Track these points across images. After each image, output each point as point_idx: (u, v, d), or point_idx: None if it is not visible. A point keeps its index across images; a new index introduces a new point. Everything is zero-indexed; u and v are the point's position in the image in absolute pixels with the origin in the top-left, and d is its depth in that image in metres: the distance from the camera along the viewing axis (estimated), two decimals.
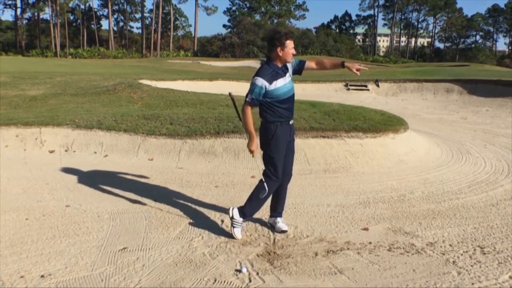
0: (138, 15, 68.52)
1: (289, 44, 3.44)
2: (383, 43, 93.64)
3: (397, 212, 4.21)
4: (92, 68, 23.49)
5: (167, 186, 5.01)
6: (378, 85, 16.28)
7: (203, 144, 6.17)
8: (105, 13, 66.16)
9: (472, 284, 2.85)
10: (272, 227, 3.76)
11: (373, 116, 7.06)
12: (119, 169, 5.61)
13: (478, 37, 75.11)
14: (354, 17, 76.62)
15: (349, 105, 8.32)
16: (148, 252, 3.32)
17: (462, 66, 34.61)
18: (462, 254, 3.28)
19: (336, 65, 3.77)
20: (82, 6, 62.72)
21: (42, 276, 2.96)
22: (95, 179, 5.19)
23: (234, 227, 3.58)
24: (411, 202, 4.51)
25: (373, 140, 6.16)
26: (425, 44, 79.47)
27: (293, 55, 3.50)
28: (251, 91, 3.42)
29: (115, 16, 68.70)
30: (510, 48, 76.01)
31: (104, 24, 79.78)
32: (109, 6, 62.62)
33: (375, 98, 15.12)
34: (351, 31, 76.31)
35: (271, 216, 3.82)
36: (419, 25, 74.19)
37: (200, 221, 3.93)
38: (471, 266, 3.10)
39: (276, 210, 3.78)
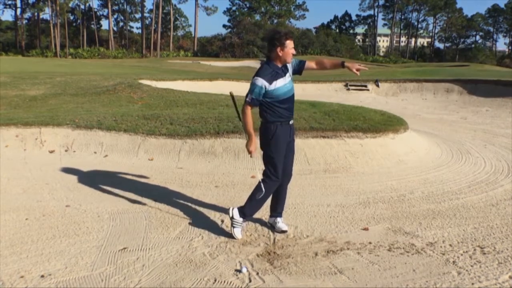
0: (138, 15, 68.58)
1: (289, 44, 3.44)
2: (383, 43, 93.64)
3: (397, 212, 4.21)
4: (92, 68, 23.49)
5: (167, 186, 5.01)
6: (378, 85, 16.28)
7: (203, 144, 6.17)
8: (105, 13, 66.19)
9: (472, 284, 2.85)
10: (272, 227, 3.76)
11: (373, 116, 7.06)
12: (119, 169, 5.61)
13: (478, 37, 75.22)
14: (354, 17, 76.76)
15: (349, 105, 8.32)
16: (148, 252, 3.32)
17: (462, 66, 34.60)
18: (462, 254, 3.28)
19: (336, 65, 3.77)
20: (82, 6, 62.82)
21: (42, 276, 2.96)
22: (95, 179, 5.19)
23: (234, 227, 3.58)
24: (411, 202, 4.51)
25: (373, 140, 6.16)
26: (425, 44, 79.46)
27: (293, 55, 3.50)
28: (251, 91, 3.42)
29: (115, 16, 68.78)
30: (510, 48, 76.05)
31: (104, 24, 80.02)
32: (109, 6, 62.62)
33: (375, 98, 15.12)
34: (351, 31, 76.31)
35: (271, 216, 3.82)
36: (419, 25, 74.27)
37: (200, 221, 3.93)
38: (471, 266, 3.10)
39: (276, 210, 3.78)
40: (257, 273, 3.01)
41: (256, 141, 3.53)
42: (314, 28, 73.46)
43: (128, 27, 71.66)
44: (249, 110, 3.45)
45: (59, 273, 3.00)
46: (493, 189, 4.92)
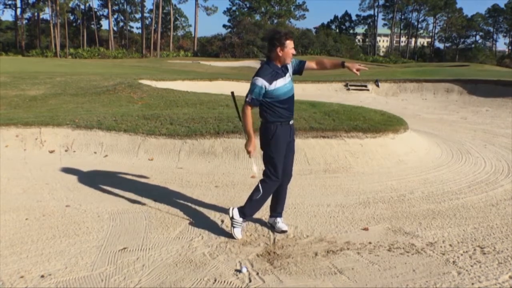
0: (138, 15, 68.58)
1: (289, 44, 3.44)
2: (383, 43, 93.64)
3: (397, 212, 4.21)
4: (92, 68, 23.49)
5: (167, 186, 5.01)
6: (378, 85, 16.28)
7: (203, 144, 6.17)
8: (105, 13, 66.19)
9: (472, 284, 2.85)
10: (272, 227, 3.76)
11: (373, 116, 7.06)
12: (119, 169, 5.61)
13: (478, 37, 75.22)
14: (354, 17, 76.75)
15: (349, 105, 8.32)
16: (148, 252, 3.32)
17: (462, 66, 34.60)
18: (462, 254, 3.28)
19: (336, 65, 3.77)
20: (82, 6, 62.81)
21: (42, 276, 2.96)
22: (95, 179, 5.20)
23: (234, 227, 3.58)
24: (411, 202, 4.51)
25: (373, 140, 6.16)
26: (425, 44, 79.47)
27: (293, 55, 3.50)
28: (251, 91, 3.42)
29: (115, 16, 68.77)
30: (510, 48, 76.05)
31: (104, 24, 79.82)
32: (109, 6, 62.62)
33: (375, 98, 15.12)
34: (351, 31, 76.31)
35: (271, 216, 3.82)
36: (419, 25, 74.26)
37: (200, 221, 3.93)
38: (471, 266, 3.10)
39: (276, 210, 3.78)
40: (257, 273, 3.01)
41: (255, 142, 3.53)
42: (314, 28, 73.56)
43: (128, 27, 71.74)
44: (249, 110, 3.45)
45: (59, 273, 3.00)
46: (493, 189, 4.92)
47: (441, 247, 3.42)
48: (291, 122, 3.62)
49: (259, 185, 3.54)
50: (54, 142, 6.57)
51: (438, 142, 7.29)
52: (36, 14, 60.71)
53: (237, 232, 3.57)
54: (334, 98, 13.22)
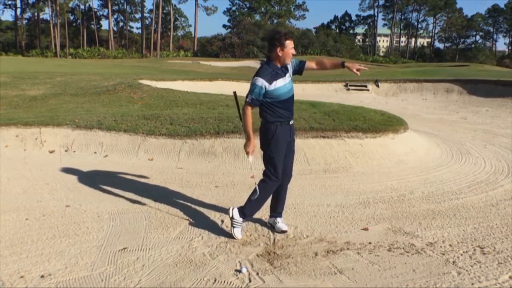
0: (138, 15, 68.58)
1: (289, 44, 3.44)
2: (383, 43, 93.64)
3: (397, 212, 4.21)
4: (92, 68, 23.50)
5: (167, 186, 5.01)
6: (378, 85, 16.29)
7: (203, 144, 6.17)
8: (105, 13, 66.19)
9: (472, 284, 2.85)
10: (272, 227, 3.76)
11: (373, 116, 7.07)
12: (119, 169, 5.61)
13: (478, 37, 75.23)
14: (354, 17, 76.78)
15: (349, 105, 8.32)
16: (148, 252, 3.32)
17: (462, 66, 34.60)
18: (462, 254, 3.28)
19: (336, 65, 3.77)
20: (82, 6, 62.80)
21: (42, 276, 2.96)
22: (95, 179, 5.20)
23: (234, 227, 3.58)
24: (411, 202, 4.51)
25: (373, 140, 6.16)
26: (425, 44, 79.49)
27: (293, 55, 3.50)
28: (251, 91, 3.42)
29: (115, 16, 68.77)
30: (510, 48, 76.06)
31: (104, 24, 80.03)
32: (109, 6, 62.62)
33: (375, 98, 15.12)
34: (351, 31, 76.32)
35: (271, 216, 3.82)
36: (419, 25, 74.26)
37: (200, 221, 3.93)
38: (471, 266, 3.10)
39: (276, 210, 3.78)
40: (257, 273, 3.01)
41: (254, 142, 3.53)
42: (314, 28, 73.58)
43: (128, 27, 71.74)
44: (249, 111, 3.45)
45: (59, 273, 3.00)
46: (493, 189, 4.92)
47: (441, 247, 3.42)
48: (291, 122, 3.62)
49: (256, 187, 3.54)
50: (54, 142, 6.57)
51: (438, 142, 7.29)
52: (36, 14, 60.74)
53: (237, 232, 3.57)
54: (334, 98, 13.22)
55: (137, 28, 74.91)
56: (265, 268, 3.09)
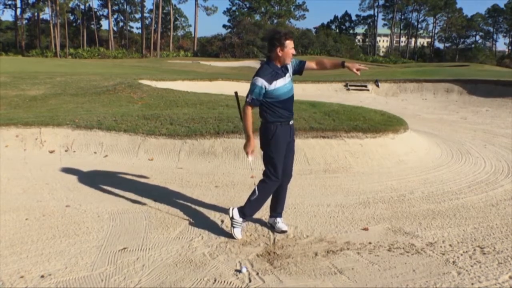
0: (138, 15, 68.59)
1: (289, 44, 3.44)
2: (383, 43, 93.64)
3: (397, 212, 4.21)
4: (92, 68, 23.50)
5: (167, 186, 5.01)
6: (378, 85, 16.29)
7: (203, 144, 6.17)
8: (105, 13, 66.20)
9: (472, 284, 2.85)
10: (272, 227, 3.76)
11: (373, 116, 7.07)
12: (119, 169, 5.61)
13: (478, 37, 75.23)
14: (354, 17, 76.81)
15: (349, 105, 8.32)
16: (148, 252, 3.32)
17: (462, 66, 34.60)
18: (462, 254, 3.28)
19: (336, 65, 3.77)
20: (82, 6, 62.80)
21: (42, 276, 2.96)
22: (95, 179, 5.20)
23: (234, 227, 3.58)
24: (411, 202, 4.51)
25: (373, 140, 6.16)
26: (425, 44, 79.48)
27: (293, 55, 3.50)
28: (251, 91, 3.42)
29: (115, 16, 68.78)
30: (510, 48, 76.06)
31: (104, 24, 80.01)
32: (109, 6, 62.62)
33: (375, 98, 15.12)
34: (351, 31, 76.33)
35: (271, 216, 3.82)
36: (419, 25, 74.27)
37: (200, 221, 3.93)
38: (471, 266, 3.10)
39: (276, 210, 3.78)
40: (257, 273, 3.01)
41: (254, 143, 3.53)
42: (314, 28, 73.57)
43: (128, 27, 71.74)
44: (249, 111, 3.45)
45: (59, 273, 3.00)
46: (493, 189, 4.92)
47: (441, 247, 3.42)
48: (291, 122, 3.62)
49: (255, 187, 3.54)
50: (54, 142, 6.57)
51: (438, 142, 7.29)
52: (36, 14, 60.74)
53: (237, 232, 3.57)
54: (334, 98, 13.22)
55: (137, 28, 75.05)
56: (265, 268, 3.09)
